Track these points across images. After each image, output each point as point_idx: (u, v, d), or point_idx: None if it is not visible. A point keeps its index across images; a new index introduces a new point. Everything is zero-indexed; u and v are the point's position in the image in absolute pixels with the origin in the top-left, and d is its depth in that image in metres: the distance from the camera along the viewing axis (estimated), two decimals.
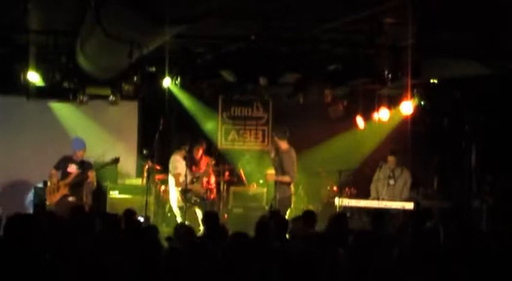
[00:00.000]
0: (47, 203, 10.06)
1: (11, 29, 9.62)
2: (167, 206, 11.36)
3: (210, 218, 7.27)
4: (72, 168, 10.28)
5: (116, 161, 10.72)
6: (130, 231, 6.51)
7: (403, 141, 10.87)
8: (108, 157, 11.63)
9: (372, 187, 11.00)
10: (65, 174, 10.25)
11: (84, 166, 10.33)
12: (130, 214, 7.57)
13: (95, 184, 10.47)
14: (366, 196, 10.99)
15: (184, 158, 10.47)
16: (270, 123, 13.24)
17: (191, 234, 6.44)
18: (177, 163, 10.45)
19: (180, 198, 10.35)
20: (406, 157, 10.88)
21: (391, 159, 10.86)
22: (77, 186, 10.20)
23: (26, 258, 4.83)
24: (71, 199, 10.07)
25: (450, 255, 5.53)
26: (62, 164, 10.32)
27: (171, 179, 10.59)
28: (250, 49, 9.82)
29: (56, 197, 10.10)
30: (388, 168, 10.86)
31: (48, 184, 10.30)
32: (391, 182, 10.81)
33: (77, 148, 10.40)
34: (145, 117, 12.69)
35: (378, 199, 10.75)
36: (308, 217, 7.47)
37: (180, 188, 10.34)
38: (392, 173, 10.81)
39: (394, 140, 11.44)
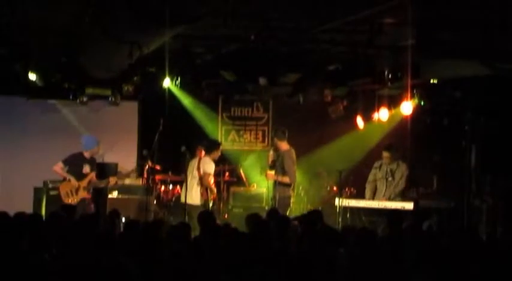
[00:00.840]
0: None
1: (11, 29, 9.61)
2: (167, 206, 11.36)
3: (206, 217, 7.28)
4: (87, 169, 10.40)
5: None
6: (131, 231, 6.52)
7: (403, 141, 10.86)
8: (108, 157, 11.68)
9: (367, 187, 10.93)
10: (80, 174, 10.31)
11: (93, 163, 10.53)
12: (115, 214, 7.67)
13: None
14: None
15: (214, 160, 10.51)
16: (270, 124, 13.22)
17: (188, 233, 6.45)
18: (209, 164, 10.38)
19: (203, 196, 10.36)
20: (401, 152, 10.85)
21: (386, 154, 10.78)
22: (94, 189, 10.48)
23: (26, 258, 4.84)
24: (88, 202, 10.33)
25: (450, 255, 5.53)
26: (73, 162, 10.35)
27: (195, 178, 10.39)
28: (250, 49, 9.81)
29: (75, 199, 10.17)
30: (386, 166, 10.82)
31: (61, 185, 10.28)
32: (390, 178, 10.76)
33: (91, 145, 10.51)
34: (145, 118, 12.68)
35: (372, 199, 10.71)
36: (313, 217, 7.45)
37: (204, 187, 10.33)
38: (390, 171, 10.78)
39: (394, 139, 11.42)
